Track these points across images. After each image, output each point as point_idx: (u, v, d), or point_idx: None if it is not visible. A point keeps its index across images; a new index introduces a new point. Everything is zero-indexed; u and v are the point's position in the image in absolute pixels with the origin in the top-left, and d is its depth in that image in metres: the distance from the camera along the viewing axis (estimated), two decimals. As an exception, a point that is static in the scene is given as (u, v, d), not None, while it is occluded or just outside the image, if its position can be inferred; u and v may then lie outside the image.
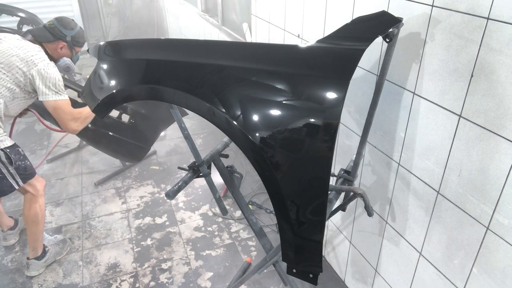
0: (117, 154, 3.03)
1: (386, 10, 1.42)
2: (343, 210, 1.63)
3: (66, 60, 2.24)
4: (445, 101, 1.28)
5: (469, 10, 1.13)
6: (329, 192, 1.36)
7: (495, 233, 1.21)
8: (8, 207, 2.85)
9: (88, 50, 1.29)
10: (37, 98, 2.05)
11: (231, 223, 2.73)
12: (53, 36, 2.14)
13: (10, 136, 2.17)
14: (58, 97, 2.02)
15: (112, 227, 2.69)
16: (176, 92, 1.02)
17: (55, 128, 2.55)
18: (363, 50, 0.97)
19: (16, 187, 2.05)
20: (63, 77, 2.15)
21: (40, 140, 3.75)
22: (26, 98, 2.05)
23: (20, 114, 2.35)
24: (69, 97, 2.41)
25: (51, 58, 2.14)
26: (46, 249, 2.35)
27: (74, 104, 2.52)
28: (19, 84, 1.96)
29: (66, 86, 2.32)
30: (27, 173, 2.08)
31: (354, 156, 1.59)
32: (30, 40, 2.11)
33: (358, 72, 1.66)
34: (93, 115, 2.27)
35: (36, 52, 2.01)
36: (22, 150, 2.08)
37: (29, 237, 2.26)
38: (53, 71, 1.99)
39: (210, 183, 1.64)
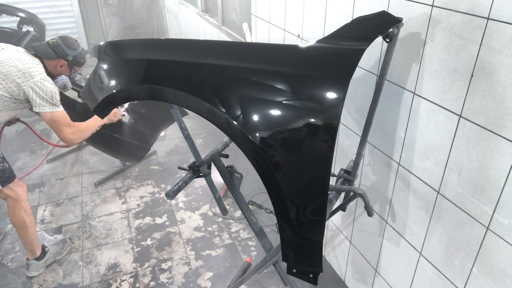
0: (117, 154, 3.03)
1: (386, 10, 1.42)
2: (343, 210, 1.63)
3: (63, 78, 2.24)
4: (445, 101, 1.28)
5: (469, 10, 1.13)
6: (329, 192, 1.36)
7: (495, 233, 1.21)
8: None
9: (87, 50, 1.29)
10: (29, 108, 2.06)
11: (231, 223, 2.73)
12: (55, 54, 2.17)
13: None
14: (55, 109, 2.04)
15: (112, 227, 2.69)
16: (176, 92, 1.02)
17: (50, 142, 2.59)
18: (363, 50, 0.97)
19: None
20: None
21: (40, 140, 3.73)
22: (16, 108, 2.06)
23: (9, 123, 2.37)
24: (71, 97, 2.42)
25: (49, 74, 2.15)
26: (46, 249, 2.35)
27: (74, 105, 2.54)
28: (12, 93, 1.98)
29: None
30: (5, 176, 2.07)
31: (354, 156, 1.59)
32: (32, 54, 2.13)
33: (358, 72, 1.66)
34: (91, 128, 2.30)
35: (34, 66, 2.02)
36: (2, 153, 2.08)
37: (22, 241, 2.25)
38: (49, 84, 2.01)
39: (210, 183, 1.64)
